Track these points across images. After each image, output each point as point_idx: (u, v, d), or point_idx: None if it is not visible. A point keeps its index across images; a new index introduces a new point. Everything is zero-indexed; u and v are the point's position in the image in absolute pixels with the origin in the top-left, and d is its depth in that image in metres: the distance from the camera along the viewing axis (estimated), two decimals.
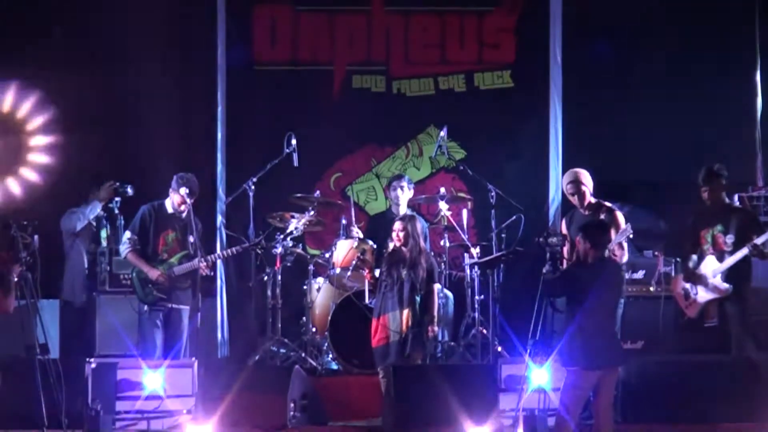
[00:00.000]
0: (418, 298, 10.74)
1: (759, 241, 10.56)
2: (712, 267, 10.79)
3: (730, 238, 10.75)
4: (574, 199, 11.06)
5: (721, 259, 10.76)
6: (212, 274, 11.81)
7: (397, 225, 10.88)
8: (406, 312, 10.68)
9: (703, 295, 10.86)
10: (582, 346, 9.13)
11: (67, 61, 12.77)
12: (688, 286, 10.96)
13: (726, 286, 10.70)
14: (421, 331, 10.70)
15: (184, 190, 11.04)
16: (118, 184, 12.27)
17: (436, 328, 10.80)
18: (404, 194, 12.09)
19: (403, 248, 10.79)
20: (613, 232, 10.27)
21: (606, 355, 9.17)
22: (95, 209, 12.31)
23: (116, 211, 12.24)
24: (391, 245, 11.09)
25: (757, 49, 12.90)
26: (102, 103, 12.85)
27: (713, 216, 10.92)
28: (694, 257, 10.89)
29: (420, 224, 11.20)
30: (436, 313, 10.80)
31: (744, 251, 10.61)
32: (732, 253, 10.70)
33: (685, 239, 11.09)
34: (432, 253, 11.28)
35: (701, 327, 11.02)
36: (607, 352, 9.19)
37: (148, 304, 11.12)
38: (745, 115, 12.99)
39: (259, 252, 11.71)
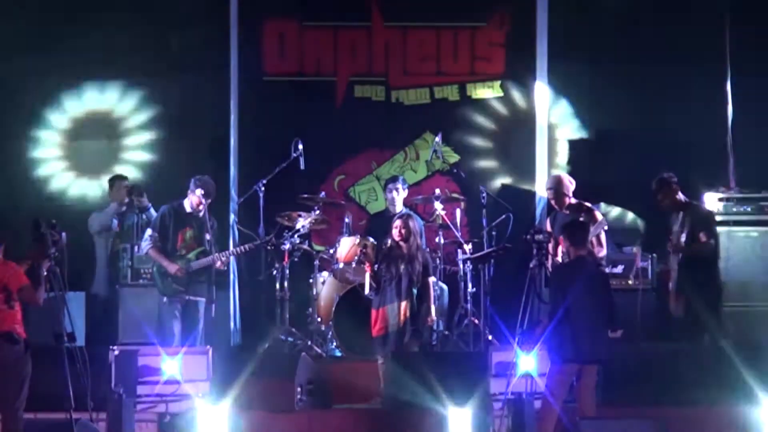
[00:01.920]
0: (414, 291, 10.73)
1: (680, 240, 10.78)
2: (673, 264, 10.96)
3: (683, 236, 10.91)
4: (553, 202, 11.23)
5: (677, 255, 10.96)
6: (226, 269, 11.86)
7: (398, 222, 10.83)
8: (404, 304, 10.63)
9: (672, 287, 11.02)
10: (564, 339, 9.18)
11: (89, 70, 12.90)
12: (667, 279, 11.13)
13: (674, 281, 10.87)
14: (417, 321, 10.68)
15: (200, 192, 11.10)
16: (128, 183, 12.33)
17: (433, 317, 10.80)
18: (399, 195, 12.09)
19: (402, 244, 10.73)
20: (591, 228, 10.37)
21: (585, 351, 9.21)
22: (110, 210, 12.35)
23: (146, 212, 12.25)
24: (389, 242, 11.16)
25: (728, 61, 12.85)
26: (123, 110, 12.90)
27: (675, 217, 11.12)
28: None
29: (417, 222, 11.24)
30: (432, 304, 10.79)
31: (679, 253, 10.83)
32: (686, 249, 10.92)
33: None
34: (427, 249, 11.32)
35: (677, 317, 11.12)
36: (588, 346, 9.21)
37: (167, 296, 11.16)
38: (718, 122, 12.94)
39: (270, 249, 11.74)
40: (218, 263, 11.13)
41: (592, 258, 9.89)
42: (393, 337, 10.63)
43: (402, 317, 10.63)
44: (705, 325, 10.83)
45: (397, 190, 12.10)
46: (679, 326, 11.16)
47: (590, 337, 9.24)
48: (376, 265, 10.89)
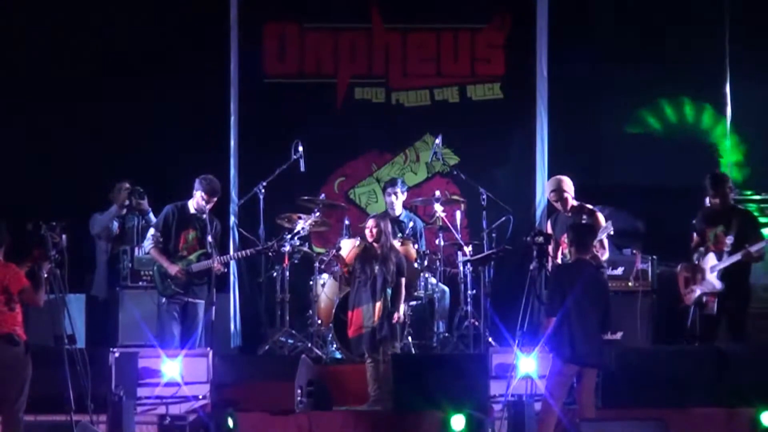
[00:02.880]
0: (389, 291, 10.68)
1: (753, 249, 10.63)
2: (710, 263, 10.86)
3: (729, 239, 10.79)
4: (558, 205, 11.19)
5: (720, 257, 10.82)
6: (226, 271, 11.85)
7: (370, 223, 10.82)
8: (378, 304, 10.60)
9: (700, 287, 10.93)
10: (563, 340, 9.19)
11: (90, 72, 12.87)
12: (689, 275, 11.02)
13: (719, 284, 10.77)
14: (392, 321, 10.64)
15: (203, 192, 11.08)
16: (129, 186, 12.31)
17: (401, 315, 10.71)
18: (398, 199, 12.11)
19: (375, 244, 10.74)
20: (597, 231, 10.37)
21: (583, 354, 9.22)
22: (111, 213, 12.33)
23: (145, 215, 12.29)
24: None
25: (727, 65, 12.88)
26: (124, 112, 12.87)
27: (717, 217, 10.96)
28: (702, 249, 10.95)
29: (418, 223, 11.19)
30: (402, 303, 10.73)
31: (737, 256, 10.66)
32: (730, 253, 10.76)
33: (695, 235, 11.14)
34: (428, 251, 11.30)
35: (678, 318, 11.10)
36: (585, 350, 9.22)
37: (166, 297, 11.13)
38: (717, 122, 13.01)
39: (271, 255, 11.74)
40: (217, 266, 11.10)
41: (595, 261, 9.87)
42: (367, 337, 10.61)
43: (376, 317, 10.61)
44: (736, 327, 10.78)
45: (396, 194, 12.13)
46: (678, 327, 11.13)
47: (587, 340, 9.24)
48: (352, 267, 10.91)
